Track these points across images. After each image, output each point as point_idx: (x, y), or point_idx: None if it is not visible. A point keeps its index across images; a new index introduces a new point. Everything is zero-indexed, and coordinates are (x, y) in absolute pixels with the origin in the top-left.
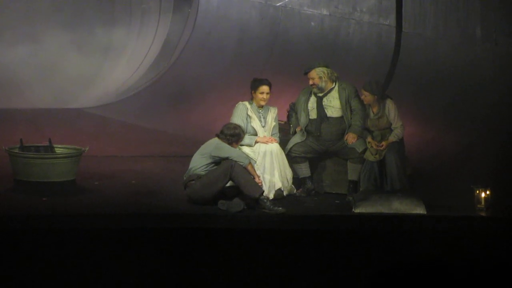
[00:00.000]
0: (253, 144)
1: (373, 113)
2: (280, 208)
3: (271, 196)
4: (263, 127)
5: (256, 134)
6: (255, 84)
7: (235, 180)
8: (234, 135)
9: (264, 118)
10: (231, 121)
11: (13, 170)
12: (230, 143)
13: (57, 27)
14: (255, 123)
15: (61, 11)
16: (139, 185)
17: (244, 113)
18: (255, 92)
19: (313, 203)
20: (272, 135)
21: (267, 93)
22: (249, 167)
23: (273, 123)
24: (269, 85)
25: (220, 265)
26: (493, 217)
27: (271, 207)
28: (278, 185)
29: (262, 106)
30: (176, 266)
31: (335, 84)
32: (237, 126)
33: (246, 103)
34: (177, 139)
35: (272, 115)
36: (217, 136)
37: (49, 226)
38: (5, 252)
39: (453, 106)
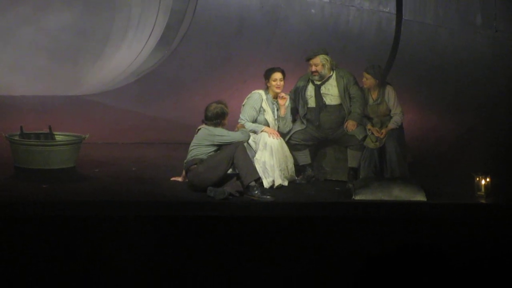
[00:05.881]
0: (259, 131)
1: (373, 99)
2: (269, 197)
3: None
4: (275, 119)
5: (268, 126)
6: (268, 73)
7: (235, 161)
8: (218, 116)
9: (277, 109)
10: (242, 109)
11: (13, 157)
12: (219, 125)
13: (57, 13)
14: (269, 116)
15: None
16: (140, 172)
17: (258, 104)
18: (268, 81)
19: (313, 190)
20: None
21: (280, 80)
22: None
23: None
24: (282, 72)
25: (220, 252)
26: (493, 204)
27: (259, 194)
28: (278, 181)
29: (276, 97)
30: (176, 254)
31: (333, 72)
32: (216, 106)
33: (262, 93)
34: (178, 126)
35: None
36: (204, 123)
37: (49, 213)
38: (5, 239)
39: (453, 93)
